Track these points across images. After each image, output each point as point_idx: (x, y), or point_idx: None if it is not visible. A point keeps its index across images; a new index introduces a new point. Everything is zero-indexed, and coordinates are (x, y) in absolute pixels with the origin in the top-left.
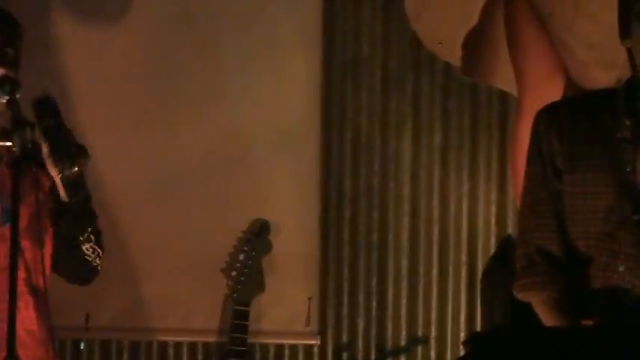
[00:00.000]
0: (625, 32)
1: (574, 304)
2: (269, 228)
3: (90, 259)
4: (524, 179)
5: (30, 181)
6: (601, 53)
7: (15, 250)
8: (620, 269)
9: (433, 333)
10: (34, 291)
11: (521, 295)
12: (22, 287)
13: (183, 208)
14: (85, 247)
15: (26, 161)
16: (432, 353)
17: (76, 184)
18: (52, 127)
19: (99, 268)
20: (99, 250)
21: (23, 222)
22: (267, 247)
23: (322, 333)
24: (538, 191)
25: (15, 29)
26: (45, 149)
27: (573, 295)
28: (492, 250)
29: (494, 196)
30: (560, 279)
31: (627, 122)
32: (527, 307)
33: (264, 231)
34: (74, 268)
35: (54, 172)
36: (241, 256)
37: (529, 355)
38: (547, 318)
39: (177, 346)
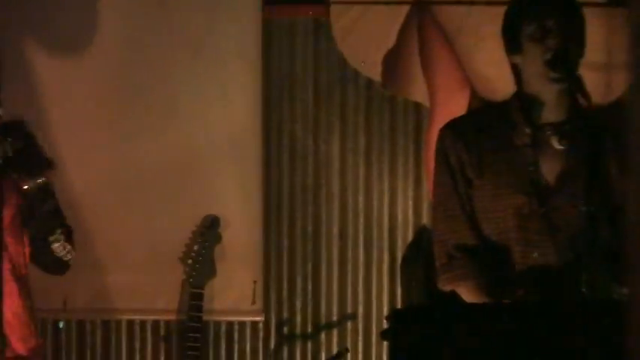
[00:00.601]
0: (514, 48)
1: (495, 288)
2: (219, 222)
3: (60, 254)
4: (434, 187)
5: (10, 186)
6: (502, 69)
7: (0, 246)
8: (534, 255)
9: (360, 310)
10: (18, 279)
11: (446, 288)
12: (7, 276)
13: (146, 207)
14: (55, 245)
15: (6, 170)
16: (360, 327)
17: (39, 195)
18: (18, 148)
19: (70, 262)
20: (69, 247)
21: (6, 221)
22: (218, 239)
23: (266, 311)
24: (449, 198)
25: None
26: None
27: (493, 280)
28: (410, 238)
29: (410, 191)
30: (477, 268)
31: (527, 130)
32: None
33: (215, 225)
34: (47, 261)
35: (20, 185)
36: (196, 247)
37: (441, 327)
38: (472, 298)
39: (143, 324)
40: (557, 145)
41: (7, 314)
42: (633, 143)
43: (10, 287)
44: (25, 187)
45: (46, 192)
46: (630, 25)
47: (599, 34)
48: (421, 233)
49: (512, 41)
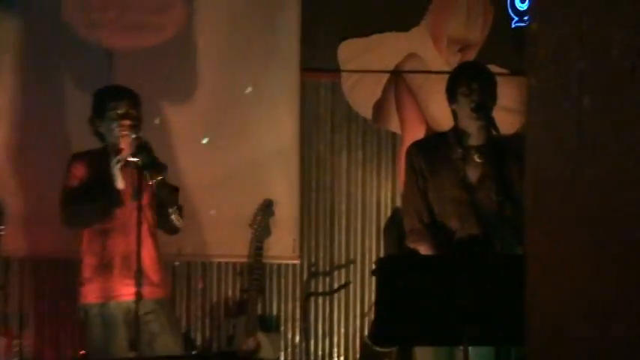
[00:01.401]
0: (452, 100)
1: (441, 248)
2: (273, 203)
3: (174, 223)
4: (404, 183)
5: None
6: (444, 113)
7: (140, 214)
8: (466, 226)
9: (359, 257)
10: (152, 235)
11: (411, 246)
12: (145, 233)
13: (228, 192)
14: (172, 216)
15: (144, 170)
16: (358, 268)
17: (160, 186)
18: (145, 157)
19: (179, 227)
20: (180, 218)
21: (145, 200)
22: (272, 213)
23: (301, 257)
24: (413, 190)
25: (138, 99)
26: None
27: (441, 243)
28: (389, 214)
29: (389, 185)
30: (430, 235)
31: (459, 150)
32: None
33: (270, 205)
34: (166, 227)
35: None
36: (259, 217)
37: (406, 268)
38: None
39: (226, 264)
40: (477, 159)
41: (145, 257)
42: (528, 159)
43: (146, 240)
44: (150, 182)
45: (164, 185)
46: (528, 86)
47: (508, 91)
48: (395, 211)
49: (451, 96)
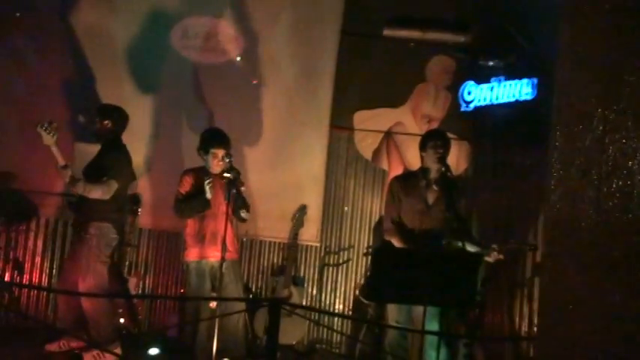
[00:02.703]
0: (423, 149)
1: (407, 242)
2: (306, 207)
3: (243, 217)
4: (386, 199)
5: (226, 185)
6: (415, 159)
7: (227, 210)
8: (423, 228)
9: (356, 243)
10: (231, 221)
11: (387, 239)
12: (227, 220)
13: (280, 200)
14: (242, 214)
15: (232, 182)
16: (356, 250)
17: (237, 195)
18: (234, 173)
19: (247, 219)
20: (247, 213)
21: (232, 202)
22: (305, 213)
23: (320, 241)
24: (391, 206)
25: (229, 143)
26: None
27: (406, 238)
28: (377, 218)
29: (378, 201)
30: (399, 233)
31: (424, 181)
32: (387, 241)
33: (304, 208)
34: (239, 218)
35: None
36: (297, 215)
37: (391, 255)
38: (398, 245)
39: (275, 243)
40: (434, 188)
41: (229, 235)
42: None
43: (228, 224)
44: (234, 191)
45: (239, 195)
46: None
47: (454, 149)
48: (380, 217)
49: (422, 147)
